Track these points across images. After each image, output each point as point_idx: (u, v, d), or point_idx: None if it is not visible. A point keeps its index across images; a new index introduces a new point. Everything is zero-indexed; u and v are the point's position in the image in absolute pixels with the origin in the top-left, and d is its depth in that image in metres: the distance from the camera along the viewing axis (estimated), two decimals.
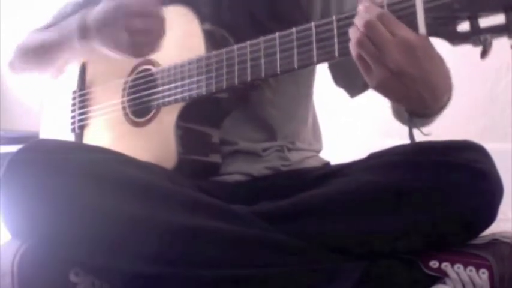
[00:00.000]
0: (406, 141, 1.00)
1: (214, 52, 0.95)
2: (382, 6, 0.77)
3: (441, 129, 2.11)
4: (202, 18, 1.01)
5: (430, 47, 0.76)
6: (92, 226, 0.81)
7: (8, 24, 3.00)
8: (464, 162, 0.87)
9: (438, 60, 0.79)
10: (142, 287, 0.81)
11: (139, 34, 0.94)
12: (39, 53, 1.15)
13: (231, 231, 0.81)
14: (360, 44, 0.76)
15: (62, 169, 0.83)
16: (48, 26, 1.21)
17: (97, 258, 0.82)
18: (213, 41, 0.98)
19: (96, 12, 0.99)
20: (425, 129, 0.91)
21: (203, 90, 0.96)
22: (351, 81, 1.11)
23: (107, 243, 0.81)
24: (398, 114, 1.03)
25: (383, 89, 0.78)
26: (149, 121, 1.06)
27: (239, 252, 0.80)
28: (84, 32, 1.01)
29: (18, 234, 0.86)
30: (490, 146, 0.94)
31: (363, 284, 0.81)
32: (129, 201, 0.82)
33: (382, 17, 0.74)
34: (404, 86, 0.77)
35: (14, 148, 0.89)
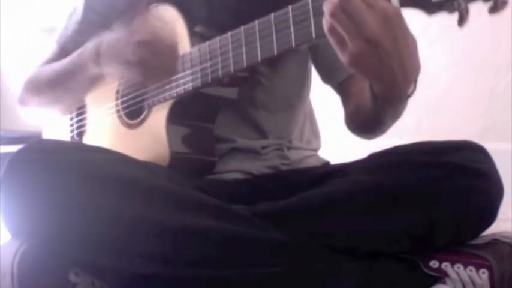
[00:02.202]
0: (406, 141, 1.00)
1: (198, 46, 0.95)
2: None
3: (441, 129, 2.12)
4: (195, 20, 1.01)
5: (405, 22, 0.74)
6: (92, 226, 0.81)
7: (8, 24, 3.01)
8: (464, 163, 0.87)
9: (411, 38, 0.75)
10: (142, 287, 0.81)
11: (149, 65, 0.93)
12: (53, 83, 1.13)
13: (231, 231, 0.81)
14: (333, 15, 0.73)
15: (62, 169, 0.83)
16: (55, 54, 1.20)
17: (97, 258, 0.82)
18: (201, 41, 0.97)
19: (108, 40, 0.98)
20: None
21: (189, 86, 0.96)
22: (334, 76, 1.12)
23: (107, 243, 0.81)
24: (358, 118, 1.04)
25: (357, 64, 0.75)
26: (142, 122, 1.06)
27: (239, 252, 0.80)
28: (99, 56, 1.00)
29: (18, 234, 0.86)
30: (490, 146, 0.94)
31: (363, 284, 0.81)
32: (130, 201, 0.82)
33: None
34: (379, 61, 0.74)
35: (14, 148, 0.89)
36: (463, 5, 0.70)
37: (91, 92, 1.14)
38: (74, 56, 1.08)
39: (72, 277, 0.84)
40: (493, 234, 0.89)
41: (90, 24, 1.15)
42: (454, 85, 1.95)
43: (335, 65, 1.10)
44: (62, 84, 1.11)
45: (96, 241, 0.81)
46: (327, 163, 1.14)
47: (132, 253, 0.80)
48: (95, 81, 1.08)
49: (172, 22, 1.00)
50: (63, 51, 1.18)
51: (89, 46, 1.03)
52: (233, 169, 1.05)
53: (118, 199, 0.81)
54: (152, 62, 0.93)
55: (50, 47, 1.22)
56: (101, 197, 0.81)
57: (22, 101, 1.20)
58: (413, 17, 0.76)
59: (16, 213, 0.86)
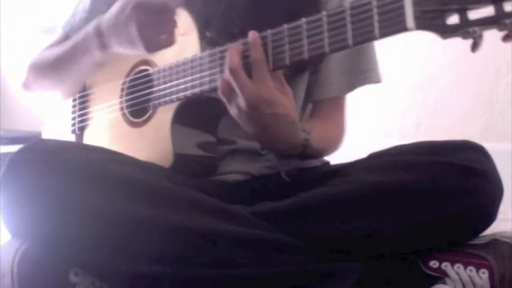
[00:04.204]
0: (406, 141, 1.01)
1: (208, 51, 0.95)
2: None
3: (441, 129, 2.11)
4: (206, 24, 1.01)
5: (280, 104, 0.88)
6: (92, 226, 0.81)
7: (8, 24, 3.01)
8: (464, 162, 0.87)
9: (283, 119, 0.89)
10: (142, 287, 0.81)
11: (148, 28, 0.93)
12: (56, 66, 1.15)
13: (231, 231, 0.81)
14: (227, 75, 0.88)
15: (62, 169, 0.83)
16: (60, 40, 1.21)
17: (97, 259, 0.81)
18: (211, 45, 0.97)
19: (108, 13, 0.99)
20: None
21: (197, 90, 0.96)
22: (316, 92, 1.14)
23: (107, 244, 0.81)
24: None
25: (239, 118, 0.91)
26: (146, 121, 1.06)
27: (239, 252, 0.80)
28: (101, 37, 1.01)
29: (18, 234, 0.86)
30: (490, 146, 0.94)
31: (362, 283, 0.81)
32: (131, 201, 0.81)
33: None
34: (252, 121, 0.89)
35: (14, 148, 0.89)
36: (478, 32, 0.70)
37: (94, 74, 1.15)
38: (76, 39, 1.08)
39: (72, 277, 0.84)
40: (493, 234, 0.89)
41: (98, 14, 1.16)
42: (454, 85, 1.95)
43: (323, 83, 1.11)
44: (65, 66, 1.13)
45: (96, 241, 0.81)
46: (327, 163, 1.14)
47: (133, 253, 0.80)
48: (98, 64, 1.09)
49: (184, 24, 1.00)
50: (68, 39, 1.18)
51: (90, 30, 1.03)
52: (233, 170, 1.05)
53: (119, 199, 0.81)
54: (149, 27, 0.94)
55: (56, 32, 1.23)
56: (101, 198, 0.81)
57: (26, 85, 1.21)
58: None
59: (16, 213, 0.86)
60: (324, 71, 1.11)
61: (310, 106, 1.16)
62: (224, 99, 0.90)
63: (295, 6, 0.99)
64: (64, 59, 1.12)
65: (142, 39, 0.93)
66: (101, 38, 1.01)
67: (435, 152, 0.91)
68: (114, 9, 0.98)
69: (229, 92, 0.89)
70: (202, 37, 0.99)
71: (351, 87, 1.12)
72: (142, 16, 0.93)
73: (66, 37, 1.19)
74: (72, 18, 1.20)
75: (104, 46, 1.02)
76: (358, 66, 1.12)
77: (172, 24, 0.94)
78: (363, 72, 1.12)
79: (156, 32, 0.94)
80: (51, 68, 1.16)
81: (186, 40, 1.00)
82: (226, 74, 0.88)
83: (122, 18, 0.95)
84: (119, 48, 1.00)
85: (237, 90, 0.87)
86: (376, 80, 1.14)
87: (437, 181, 0.85)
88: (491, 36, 0.71)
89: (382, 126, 2.14)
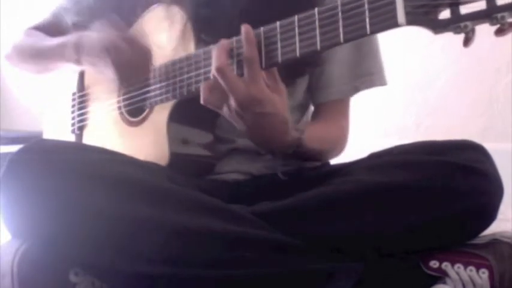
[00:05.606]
0: (406, 141, 1.01)
1: (202, 49, 0.95)
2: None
3: (441, 129, 2.11)
4: (199, 25, 1.01)
5: (269, 102, 0.86)
6: (92, 226, 0.81)
7: (8, 24, 3.00)
8: (464, 162, 0.87)
9: (274, 118, 0.88)
10: (142, 287, 0.81)
11: (124, 67, 1.00)
12: (37, 59, 1.19)
13: (231, 231, 0.81)
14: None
15: (61, 169, 0.83)
16: (46, 23, 1.25)
17: (97, 258, 0.81)
18: (205, 45, 0.97)
19: (87, 41, 1.04)
20: None
21: (193, 88, 0.96)
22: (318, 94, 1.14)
23: (107, 243, 0.81)
24: None
25: (230, 116, 0.90)
26: (143, 120, 1.07)
27: (239, 252, 0.80)
28: (78, 53, 1.06)
29: (18, 234, 0.86)
30: (490, 146, 0.94)
31: (363, 283, 0.81)
32: (130, 201, 0.81)
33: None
34: (244, 119, 0.88)
35: (14, 148, 0.89)
36: (469, 27, 0.70)
37: (91, 74, 1.18)
38: (56, 42, 1.12)
39: (72, 277, 0.84)
40: (493, 234, 0.89)
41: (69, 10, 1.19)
42: (454, 85, 1.95)
43: (325, 85, 1.11)
44: (42, 62, 1.18)
45: (96, 241, 0.81)
46: (326, 163, 1.14)
47: (133, 253, 0.80)
48: (73, 71, 1.16)
49: (177, 22, 1.00)
50: (52, 23, 1.24)
51: (70, 40, 1.07)
52: (233, 170, 1.05)
53: (119, 199, 0.81)
54: (122, 60, 0.99)
55: (44, 15, 1.28)
56: (101, 197, 0.81)
57: (10, 59, 1.26)
58: None
59: (16, 213, 0.86)
60: (326, 74, 1.10)
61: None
62: (212, 107, 0.90)
63: (292, 9, 0.99)
64: (42, 55, 1.16)
65: (118, 76, 1.00)
66: (78, 55, 1.05)
67: (435, 151, 0.91)
68: (94, 42, 1.02)
69: (219, 92, 0.88)
70: (198, 40, 0.99)
71: (355, 90, 1.12)
72: (119, 60, 0.99)
73: (51, 22, 1.24)
74: (62, 5, 1.22)
75: (78, 62, 1.06)
76: (362, 69, 1.11)
77: (147, 63, 1.00)
78: (367, 75, 1.11)
79: (127, 68, 1.00)
80: (30, 57, 1.20)
81: (182, 40, 1.00)
82: (214, 74, 0.87)
83: (100, 57, 1.00)
84: (92, 70, 1.05)
85: (227, 90, 0.86)
86: (381, 83, 1.13)
87: (437, 181, 0.85)
88: (491, 36, 0.71)
89: (382, 126, 2.14)
